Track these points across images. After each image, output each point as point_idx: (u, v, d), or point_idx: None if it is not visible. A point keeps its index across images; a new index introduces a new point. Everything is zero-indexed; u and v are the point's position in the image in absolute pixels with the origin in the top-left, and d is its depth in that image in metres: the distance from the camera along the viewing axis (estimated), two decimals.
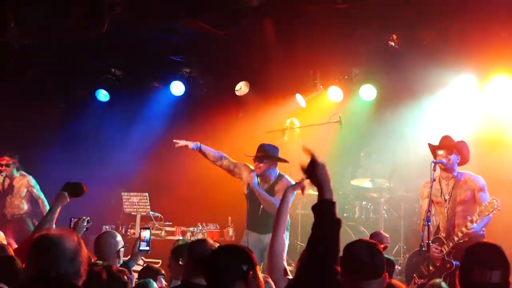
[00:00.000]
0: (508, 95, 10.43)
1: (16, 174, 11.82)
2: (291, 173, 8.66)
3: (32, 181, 11.94)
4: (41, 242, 3.74)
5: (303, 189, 5.17)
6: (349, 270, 3.86)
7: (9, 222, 11.74)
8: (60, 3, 9.06)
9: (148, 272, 6.34)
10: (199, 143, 8.94)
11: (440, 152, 8.22)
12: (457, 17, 9.48)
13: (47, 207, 10.39)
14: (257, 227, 8.63)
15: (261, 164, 8.61)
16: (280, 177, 8.68)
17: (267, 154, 8.66)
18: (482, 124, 10.59)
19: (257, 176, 8.66)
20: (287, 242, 8.24)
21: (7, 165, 11.67)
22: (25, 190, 11.91)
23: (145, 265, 7.65)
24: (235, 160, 9.01)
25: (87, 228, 6.36)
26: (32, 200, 12.01)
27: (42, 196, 11.78)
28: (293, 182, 8.44)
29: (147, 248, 6.32)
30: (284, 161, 8.76)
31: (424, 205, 8.33)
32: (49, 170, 11.56)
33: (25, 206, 11.95)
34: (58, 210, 6.13)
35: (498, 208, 7.72)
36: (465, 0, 9.15)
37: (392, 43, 10.18)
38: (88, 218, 6.29)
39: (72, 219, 6.28)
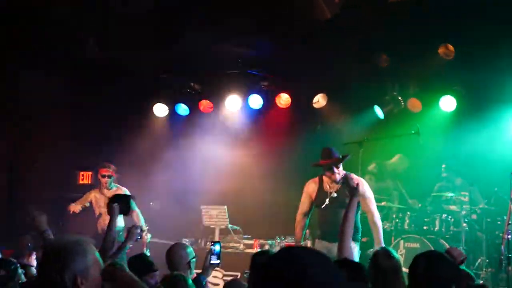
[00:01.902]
0: None
1: (113, 187, 11.58)
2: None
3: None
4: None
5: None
6: (410, 281, 3.85)
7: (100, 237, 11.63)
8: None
9: (233, 286, 6.37)
10: None
11: None
12: None
13: (142, 220, 10.37)
14: (326, 235, 8.58)
15: (340, 169, 8.57)
16: (346, 175, 8.57)
17: (340, 157, 8.59)
18: None
19: (336, 181, 8.61)
20: (358, 253, 8.25)
21: (109, 176, 11.40)
22: None
23: (228, 279, 7.68)
24: (303, 196, 8.98)
25: (140, 236, 6.52)
26: None
27: (136, 208, 11.40)
28: (358, 177, 8.41)
29: (218, 261, 6.39)
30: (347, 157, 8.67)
31: None
32: (128, 186, 11.66)
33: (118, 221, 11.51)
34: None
35: None
36: None
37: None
38: (142, 226, 6.42)
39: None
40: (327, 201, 8.63)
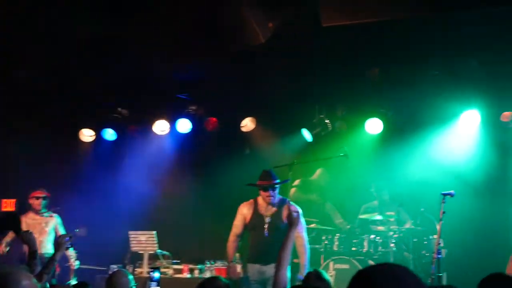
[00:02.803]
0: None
1: (45, 211, 11.20)
2: None
3: (60, 221, 11.55)
4: None
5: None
6: None
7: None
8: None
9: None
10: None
11: None
12: (461, 51, 9.58)
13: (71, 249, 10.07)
14: (260, 258, 8.58)
15: (276, 192, 8.66)
16: (283, 200, 8.68)
17: (277, 180, 8.71)
18: (491, 158, 10.65)
19: (272, 204, 8.64)
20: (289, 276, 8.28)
21: (44, 198, 11.11)
22: (52, 229, 11.57)
23: None
24: (237, 219, 8.98)
25: (71, 244, 6.42)
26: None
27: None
28: (296, 206, 8.51)
29: None
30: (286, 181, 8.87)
31: None
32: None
33: (52, 247, 11.39)
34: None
35: None
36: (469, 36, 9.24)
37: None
38: (71, 234, 6.32)
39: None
40: (262, 224, 8.63)
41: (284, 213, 8.57)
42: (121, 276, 6.40)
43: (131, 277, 6.44)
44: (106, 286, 6.32)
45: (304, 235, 8.66)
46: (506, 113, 10.56)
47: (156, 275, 6.33)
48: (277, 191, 8.66)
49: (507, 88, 10.10)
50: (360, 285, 2.33)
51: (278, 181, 8.71)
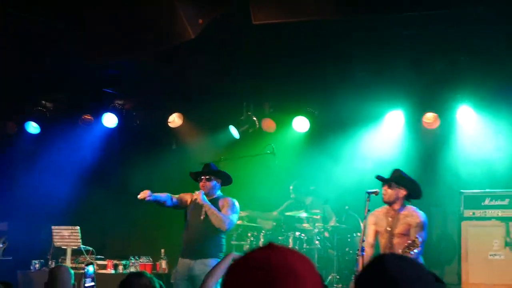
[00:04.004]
0: (438, 129, 10.88)
1: None
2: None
3: None
4: None
5: None
6: None
7: None
8: None
9: None
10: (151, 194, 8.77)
11: (386, 186, 8.25)
12: (390, 54, 9.77)
13: None
14: (191, 252, 8.58)
15: (208, 182, 8.70)
16: (223, 196, 8.75)
17: (212, 170, 8.81)
18: (414, 158, 10.91)
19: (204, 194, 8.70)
20: None
21: None
22: None
23: None
24: (176, 195, 8.98)
25: (4, 250, 6.32)
26: None
27: None
28: (235, 201, 8.57)
29: (93, 283, 6.21)
30: (228, 177, 8.89)
31: (370, 231, 8.32)
32: None
33: None
34: None
35: (419, 247, 7.58)
36: (393, 36, 9.44)
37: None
38: (4, 238, 6.23)
39: None
40: (199, 212, 8.65)
41: (221, 204, 8.61)
42: (64, 272, 6.32)
43: (72, 273, 6.38)
44: (48, 281, 6.24)
45: (230, 215, 8.60)
46: (428, 114, 10.82)
47: (91, 269, 6.24)
48: (212, 184, 8.73)
49: (430, 89, 10.36)
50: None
51: (211, 172, 8.81)
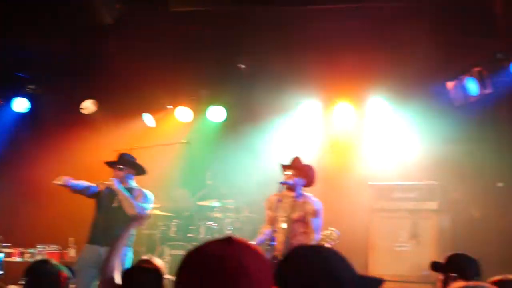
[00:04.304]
0: (350, 121, 11.03)
1: None
2: None
3: None
4: None
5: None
6: None
7: None
8: None
9: None
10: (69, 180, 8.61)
11: (288, 172, 8.43)
12: (302, 45, 9.86)
13: None
14: (99, 239, 8.46)
15: (120, 172, 8.65)
16: (137, 187, 8.72)
17: (126, 161, 8.73)
18: (326, 149, 11.07)
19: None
20: (131, 259, 8.26)
21: None
22: None
23: None
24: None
25: None
26: None
27: None
28: (148, 192, 8.49)
29: (1, 272, 6.05)
30: (142, 168, 8.80)
31: (267, 215, 8.58)
32: None
33: None
34: None
35: (337, 241, 7.93)
36: (309, 30, 9.54)
37: (242, 66, 10.43)
38: None
39: None
40: (111, 198, 8.58)
41: (133, 196, 8.54)
42: None
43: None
44: None
45: (142, 203, 8.55)
46: (340, 105, 11.01)
47: None
48: (124, 174, 8.67)
49: (343, 81, 10.53)
50: None
51: (124, 162, 8.73)
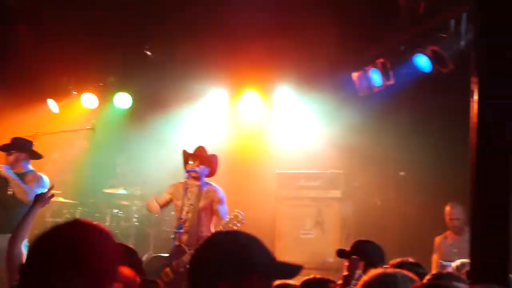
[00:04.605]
0: (257, 110, 11.14)
1: None
2: None
3: None
4: None
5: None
6: None
7: None
8: None
9: None
10: None
11: (192, 162, 8.48)
12: (209, 33, 9.89)
13: None
14: (3, 227, 8.24)
15: (10, 157, 8.52)
16: (31, 171, 8.51)
17: (15, 145, 8.58)
18: (234, 137, 11.14)
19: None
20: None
21: None
22: None
23: None
24: None
25: None
26: None
27: None
28: (42, 176, 8.33)
29: None
30: (35, 152, 8.66)
31: (163, 196, 8.79)
32: None
33: None
34: None
35: (243, 221, 8.06)
36: (216, 17, 9.57)
37: (148, 53, 10.36)
38: None
39: None
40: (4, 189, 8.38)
41: (27, 180, 8.37)
42: None
43: None
44: None
45: (34, 188, 8.38)
46: (248, 94, 11.11)
47: None
48: (15, 158, 8.51)
49: (251, 69, 10.62)
50: None
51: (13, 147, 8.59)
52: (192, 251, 8.15)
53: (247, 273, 2.43)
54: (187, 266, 7.99)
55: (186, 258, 8.20)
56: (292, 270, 2.58)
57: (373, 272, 3.10)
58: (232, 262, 2.43)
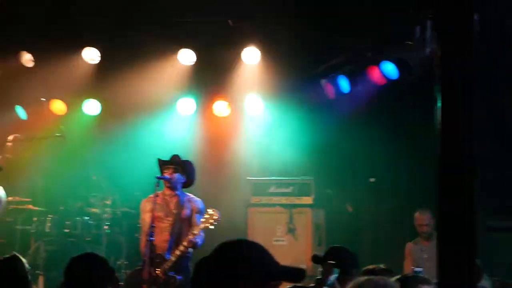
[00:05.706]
0: (227, 118, 11.30)
1: None
2: None
3: None
4: None
5: None
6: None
7: None
8: None
9: None
10: None
11: (167, 169, 8.42)
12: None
13: None
14: None
15: None
16: None
17: None
18: (204, 145, 11.15)
19: None
20: None
21: None
22: None
23: None
24: None
25: None
26: None
27: None
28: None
29: None
30: None
31: (147, 218, 8.38)
32: None
33: None
34: None
35: (219, 220, 8.02)
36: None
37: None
38: None
39: None
40: None
41: None
42: None
43: None
44: None
45: None
46: (218, 102, 11.14)
47: None
48: None
49: (220, 77, 10.66)
50: None
51: None
52: (173, 259, 8.14)
53: (266, 275, 2.61)
54: (169, 273, 8.06)
55: (167, 265, 8.16)
56: (299, 273, 2.75)
57: (361, 278, 3.19)
58: (253, 264, 2.61)
